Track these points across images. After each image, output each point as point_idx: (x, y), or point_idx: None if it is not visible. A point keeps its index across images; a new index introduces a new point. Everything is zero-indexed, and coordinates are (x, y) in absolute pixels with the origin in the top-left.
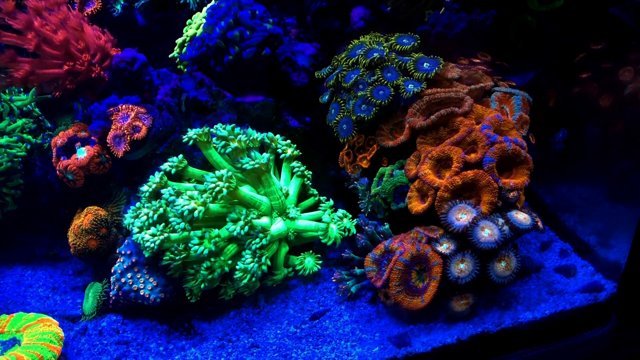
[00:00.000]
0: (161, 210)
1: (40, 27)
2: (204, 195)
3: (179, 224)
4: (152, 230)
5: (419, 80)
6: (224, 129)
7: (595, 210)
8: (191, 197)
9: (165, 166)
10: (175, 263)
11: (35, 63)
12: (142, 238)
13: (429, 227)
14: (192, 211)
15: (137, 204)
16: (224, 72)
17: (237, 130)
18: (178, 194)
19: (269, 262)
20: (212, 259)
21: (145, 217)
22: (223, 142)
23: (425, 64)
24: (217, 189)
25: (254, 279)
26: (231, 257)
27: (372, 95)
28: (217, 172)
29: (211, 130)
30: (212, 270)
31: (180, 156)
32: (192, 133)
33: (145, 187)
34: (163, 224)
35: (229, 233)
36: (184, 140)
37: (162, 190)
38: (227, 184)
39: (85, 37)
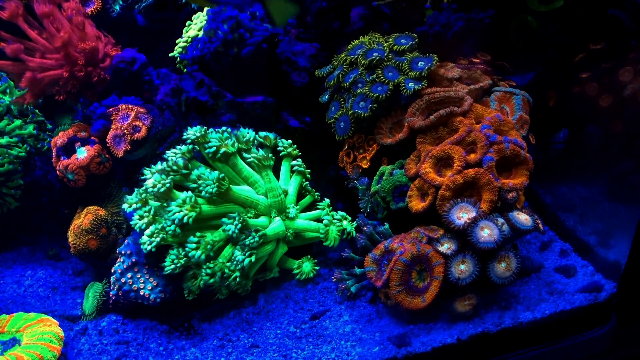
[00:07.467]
0: (168, 184)
1: (51, 24)
2: (193, 200)
3: (169, 226)
4: (151, 229)
5: (415, 78)
6: (219, 132)
7: (595, 210)
8: (184, 201)
9: (189, 134)
10: (178, 270)
11: (36, 66)
12: (141, 240)
13: (430, 227)
14: (182, 219)
15: (140, 190)
16: (224, 72)
17: (224, 135)
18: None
19: (252, 259)
20: (211, 263)
21: (152, 186)
22: (214, 149)
23: (420, 62)
24: (207, 189)
25: (238, 277)
26: (229, 260)
27: (370, 90)
28: (210, 174)
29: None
30: (212, 274)
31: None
32: (191, 133)
33: (147, 172)
34: (161, 225)
35: (224, 234)
36: (183, 138)
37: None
38: (217, 184)
39: (86, 37)
